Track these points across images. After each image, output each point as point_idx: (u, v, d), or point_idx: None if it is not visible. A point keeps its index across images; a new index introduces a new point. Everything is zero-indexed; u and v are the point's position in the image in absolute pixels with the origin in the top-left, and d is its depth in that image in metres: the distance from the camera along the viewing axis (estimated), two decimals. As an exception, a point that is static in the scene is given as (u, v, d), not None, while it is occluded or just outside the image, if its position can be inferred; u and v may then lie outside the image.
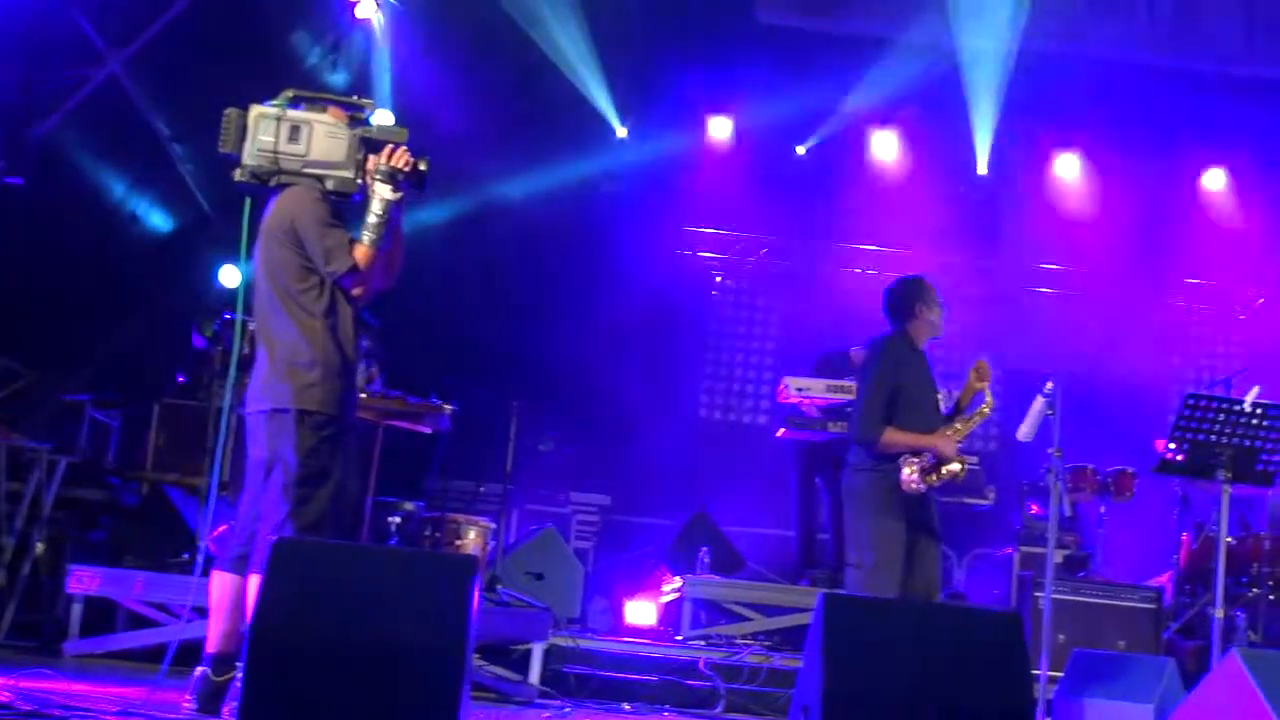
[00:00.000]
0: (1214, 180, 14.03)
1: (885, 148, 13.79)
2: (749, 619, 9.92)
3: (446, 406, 8.79)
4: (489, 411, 10.26)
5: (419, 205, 7.06)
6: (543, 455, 11.84)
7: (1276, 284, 14.05)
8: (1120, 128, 13.40)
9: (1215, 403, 7.80)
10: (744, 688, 8.82)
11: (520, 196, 12.81)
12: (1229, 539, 9.44)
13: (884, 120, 13.67)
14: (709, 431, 13.69)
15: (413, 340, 10.87)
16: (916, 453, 7.29)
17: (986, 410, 7.51)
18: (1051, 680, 7.83)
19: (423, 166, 5.95)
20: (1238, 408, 7.75)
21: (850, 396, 10.87)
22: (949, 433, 7.38)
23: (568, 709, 7.89)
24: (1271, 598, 10.48)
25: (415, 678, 4.58)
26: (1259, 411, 7.76)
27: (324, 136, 5.91)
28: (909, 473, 7.24)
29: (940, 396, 7.63)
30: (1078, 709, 7.90)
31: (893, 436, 7.33)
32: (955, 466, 7.30)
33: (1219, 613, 7.76)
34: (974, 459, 10.75)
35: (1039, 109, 13.36)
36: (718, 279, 13.98)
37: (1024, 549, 10.49)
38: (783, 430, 11.34)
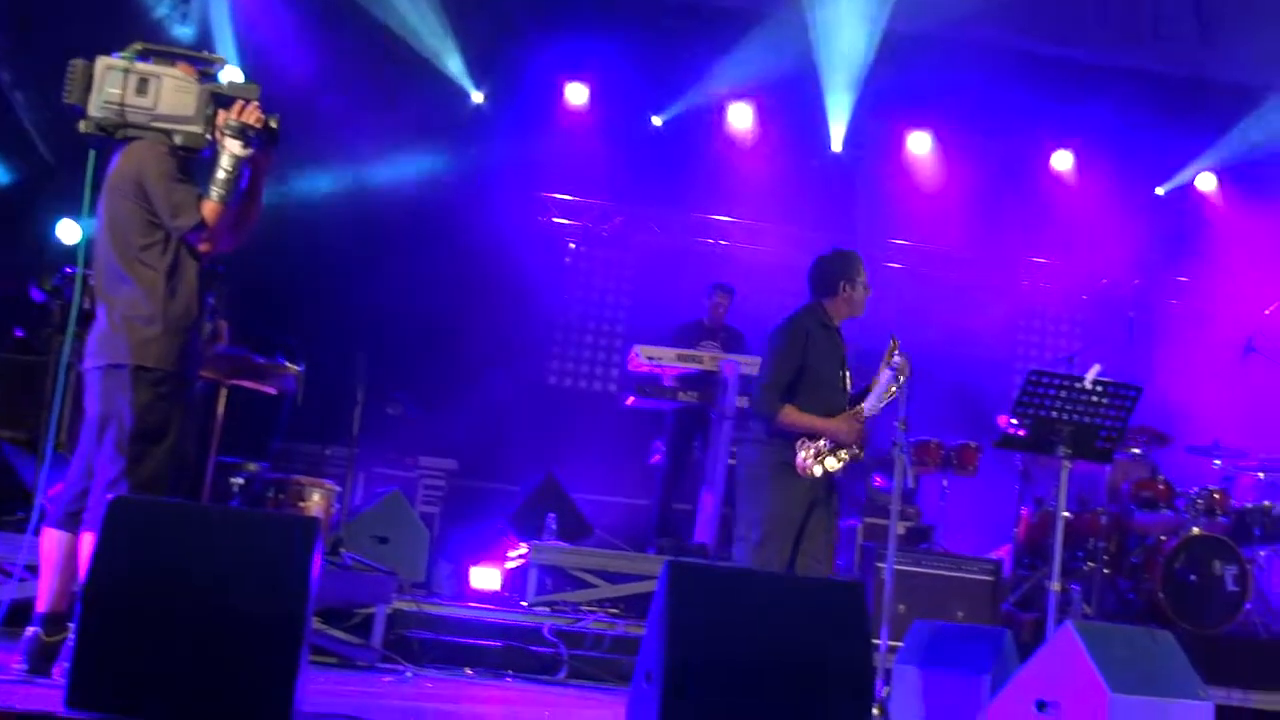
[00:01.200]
0: (1061, 161, 14.27)
1: (742, 121, 13.81)
2: (595, 586, 9.92)
3: (292, 367, 8.65)
4: (337, 373, 10.14)
5: (280, 168, 6.93)
6: (391, 419, 11.72)
7: (1120, 264, 14.33)
8: (972, 108, 13.56)
9: (1057, 380, 7.93)
10: (588, 654, 8.83)
11: (374, 159, 12.65)
12: (1067, 514, 9.60)
13: (742, 94, 13.69)
14: (559, 398, 13.65)
15: (262, 301, 10.70)
16: (814, 435, 7.25)
17: (894, 390, 7.44)
18: (891, 650, 7.92)
19: (274, 124, 5.85)
20: (1078, 385, 7.89)
21: (700, 366, 10.95)
22: (851, 416, 7.29)
23: (409, 673, 7.83)
24: (1107, 571, 10.72)
25: (252, 640, 4.51)
26: (1099, 389, 7.90)
27: (173, 90, 5.78)
28: (804, 456, 7.16)
29: (845, 375, 7.52)
30: (916, 678, 8.01)
31: (791, 416, 7.25)
32: (854, 452, 7.26)
33: (1055, 586, 7.90)
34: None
35: (893, 88, 13.48)
36: (571, 246, 13.92)
37: (867, 520, 10.60)
38: (632, 399, 11.36)
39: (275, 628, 4.54)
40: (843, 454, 7.23)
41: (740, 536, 7.33)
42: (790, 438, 7.22)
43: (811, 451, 7.15)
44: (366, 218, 12.57)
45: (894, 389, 7.22)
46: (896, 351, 7.25)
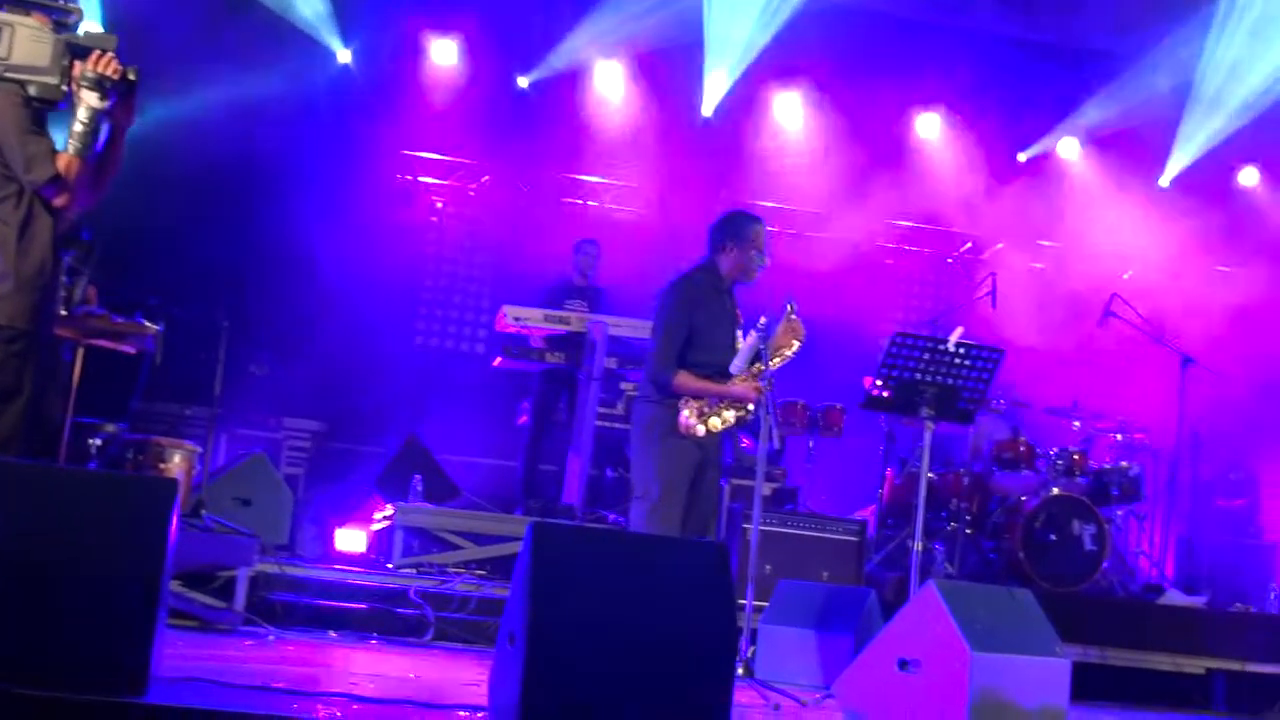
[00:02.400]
0: (927, 125, 14.38)
1: (610, 81, 13.75)
2: (461, 548, 9.86)
3: (151, 326, 8.50)
4: (198, 333, 9.96)
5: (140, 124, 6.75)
6: (254, 379, 11.56)
7: (984, 228, 14.49)
8: (839, 71, 13.62)
9: (920, 342, 8.00)
10: (454, 616, 8.80)
11: (238, 116, 12.41)
12: (930, 475, 9.74)
13: (610, 53, 13.63)
14: (426, 359, 13.54)
15: (121, 259, 10.48)
16: (699, 395, 7.25)
17: (788, 353, 7.43)
18: (757, 610, 7.97)
19: (132, 76, 5.69)
20: (941, 347, 7.97)
21: (568, 327, 10.91)
22: (745, 378, 7.27)
23: (272, 636, 7.74)
24: (969, 531, 10.87)
25: (107, 604, 4.41)
26: (961, 351, 7.99)
27: (27, 40, 5.60)
28: (686, 415, 7.14)
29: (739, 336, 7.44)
30: (781, 638, 8.08)
31: (685, 380, 7.25)
32: (742, 412, 7.25)
33: (918, 545, 8.00)
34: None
35: (765, 50, 13.50)
36: (438, 205, 13.79)
37: (734, 481, 10.63)
38: (499, 359, 11.30)
39: (131, 591, 4.44)
40: (728, 414, 7.22)
41: (638, 495, 7.31)
42: (679, 397, 7.22)
43: (694, 410, 7.15)
44: (229, 176, 12.35)
45: (761, 349, 7.22)
46: (794, 313, 7.29)
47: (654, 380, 7.31)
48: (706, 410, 7.18)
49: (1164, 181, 14.74)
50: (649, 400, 7.35)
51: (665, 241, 12.97)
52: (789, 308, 7.37)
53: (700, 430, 7.17)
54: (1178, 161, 14.60)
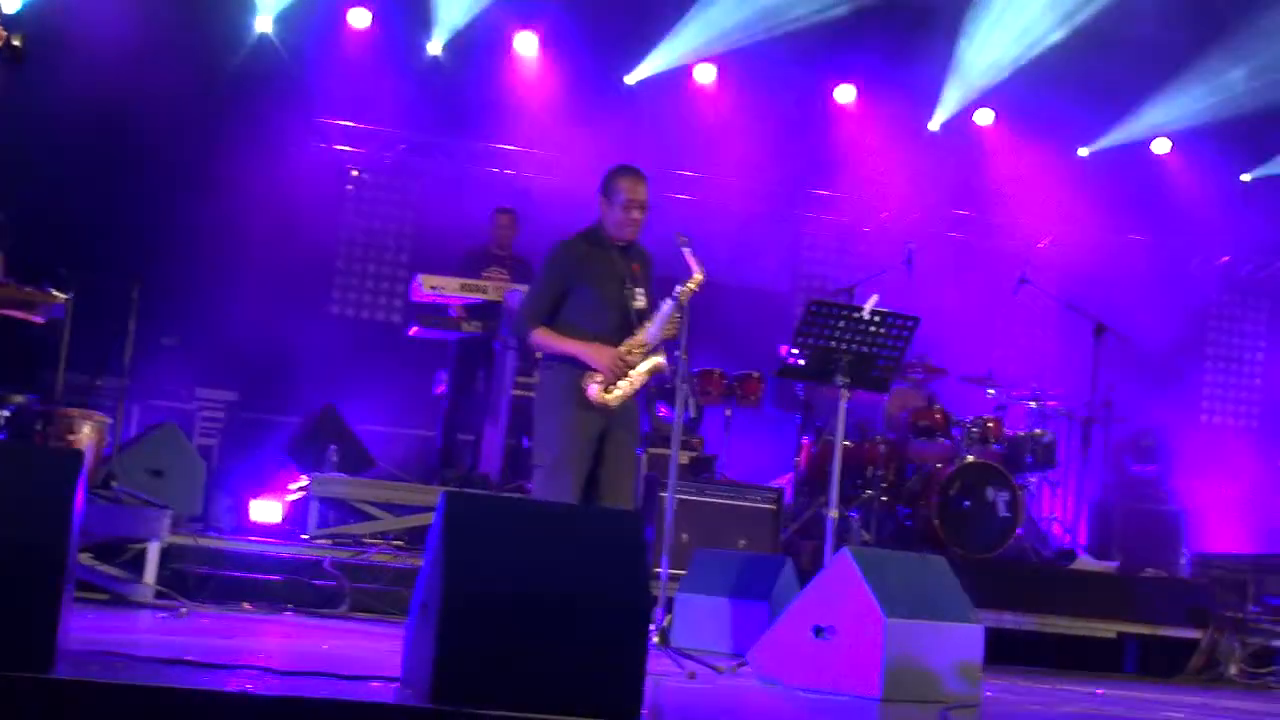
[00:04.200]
0: (844, 94, 14.41)
1: (527, 49, 13.67)
2: (378, 518, 9.81)
3: (60, 295, 8.36)
4: (109, 303, 9.82)
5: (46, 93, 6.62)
6: (166, 349, 11.42)
7: (900, 197, 14.55)
8: (757, 41, 13.60)
9: (835, 309, 8.03)
10: (370, 587, 8.78)
11: (149, 84, 12.22)
12: (846, 443, 9.77)
13: (527, 21, 13.55)
14: (342, 328, 13.41)
15: (29, 228, 10.31)
16: (555, 353, 7.13)
17: (693, 286, 7.21)
18: (674, 579, 7.97)
19: (16, 42, 5.58)
20: (856, 315, 8.00)
21: (484, 296, 10.86)
22: (630, 341, 7.04)
23: (184, 609, 7.68)
24: (885, 499, 10.93)
25: (11, 577, 4.34)
26: (876, 319, 8.02)
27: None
28: (594, 389, 6.92)
29: (633, 293, 7.11)
30: (698, 606, 8.10)
31: (542, 337, 7.05)
32: (645, 373, 7.10)
33: (833, 513, 8.04)
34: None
35: (680, 20, 13.50)
36: (354, 173, 13.67)
37: (651, 450, 10.59)
38: (415, 328, 11.24)
39: (35, 564, 4.37)
40: (639, 373, 7.07)
41: (536, 463, 7.17)
42: (579, 363, 7.00)
43: (599, 382, 6.98)
44: (142, 144, 12.18)
45: (678, 317, 7.17)
46: (699, 270, 7.17)
47: (514, 336, 7.23)
48: (608, 381, 7.00)
49: (1082, 151, 14.85)
50: (549, 366, 7.14)
51: (586, 210, 12.90)
52: (679, 238, 7.23)
53: (613, 397, 6.97)
54: (1095, 131, 14.71)
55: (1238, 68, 13.69)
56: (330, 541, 9.46)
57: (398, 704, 4.61)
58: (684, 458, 10.54)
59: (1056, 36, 13.47)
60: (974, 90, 14.16)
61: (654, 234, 7.38)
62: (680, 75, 14.02)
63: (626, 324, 7.08)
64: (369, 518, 9.78)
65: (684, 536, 9.51)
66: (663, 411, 10.81)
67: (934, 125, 14.42)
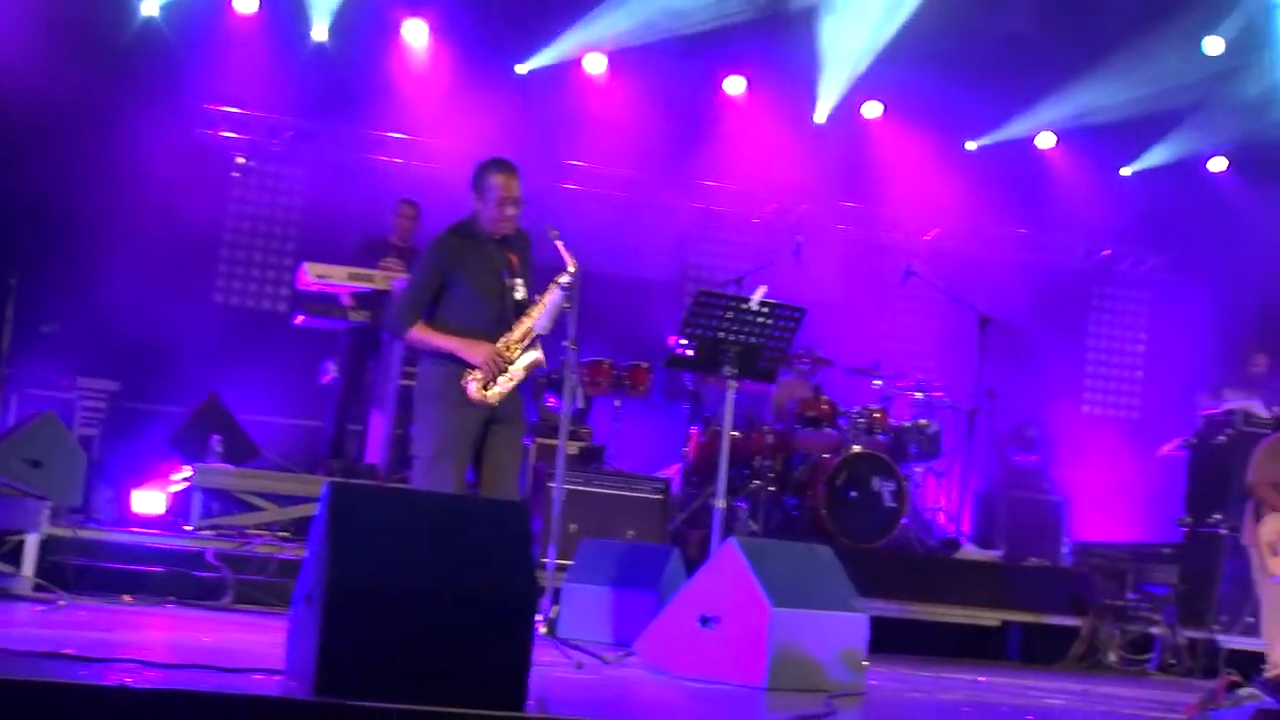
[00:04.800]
0: (733, 86, 14.44)
1: (417, 37, 13.56)
2: (262, 509, 9.70)
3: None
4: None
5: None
6: (46, 337, 11.22)
7: (789, 189, 14.62)
8: (646, 32, 13.60)
9: (723, 300, 8.07)
10: (254, 579, 8.71)
11: (33, 64, 11.99)
12: (734, 433, 9.82)
13: (416, 9, 13.45)
14: (227, 317, 13.23)
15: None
16: (433, 350, 7.08)
17: (563, 280, 7.10)
18: (561, 569, 7.98)
19: None
20: (744, 306, 8.05)
21: (372, 285, 10.78)
22: (509, 336, 7.00)
23: (63, 601, 7.55)
24: (772, 489, 10.99)
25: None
26: (764, 310, 8.07)
27: None
28: (473, 387, 6.88)
29: (513, 285, 7.06)
30: (585, 596, 8.11)
31: (419, 334, 7.01)
32: (526, 368, 7.06)
33: (721, 503, 8.08)
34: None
35: (570, 10, 13.48)
36: (240, 160, 13.49)
37: (540, 441, 10.57)
38: (301, 317, 11.13)
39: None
40: (520, 368, 7.04)
41: (415, 454, 7.09)
42: (460, 360, 6.95)
43: (478, 379, 6.91)
44: (22, 128, 11.94)
45: (566, 306, 7.15)
46: (571, 261, 7.16)
47: (388, 332, 7.19)
48: (488, 377, 6.97)
49: (970, 145, 15.00)
50: (429, 359, 7.09)
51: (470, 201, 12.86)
52: (550, 231, 7.20)
53: (492, 395, 6.92)
54: (983, 126, 14.87)
55: (1119, 74, 13.90)
56: (214, 533, 9.34)
57: (281, 696, 4.56)
58: (572, 448, 10.52)
59: (908, 16, 13.53)
60: (845, 79, 14.19)
61: (539, 224, 7.37)
62: (571, 65, 13.99)
63: (505, 317, 7.05)
64: (253, 509, 9.66)
65: (572, 527, 9.51)
66: (551, 402, 10.79)
67: (819, 117, 14.47)
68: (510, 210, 7.03)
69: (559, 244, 7.15)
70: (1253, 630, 9.78)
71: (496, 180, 7.04)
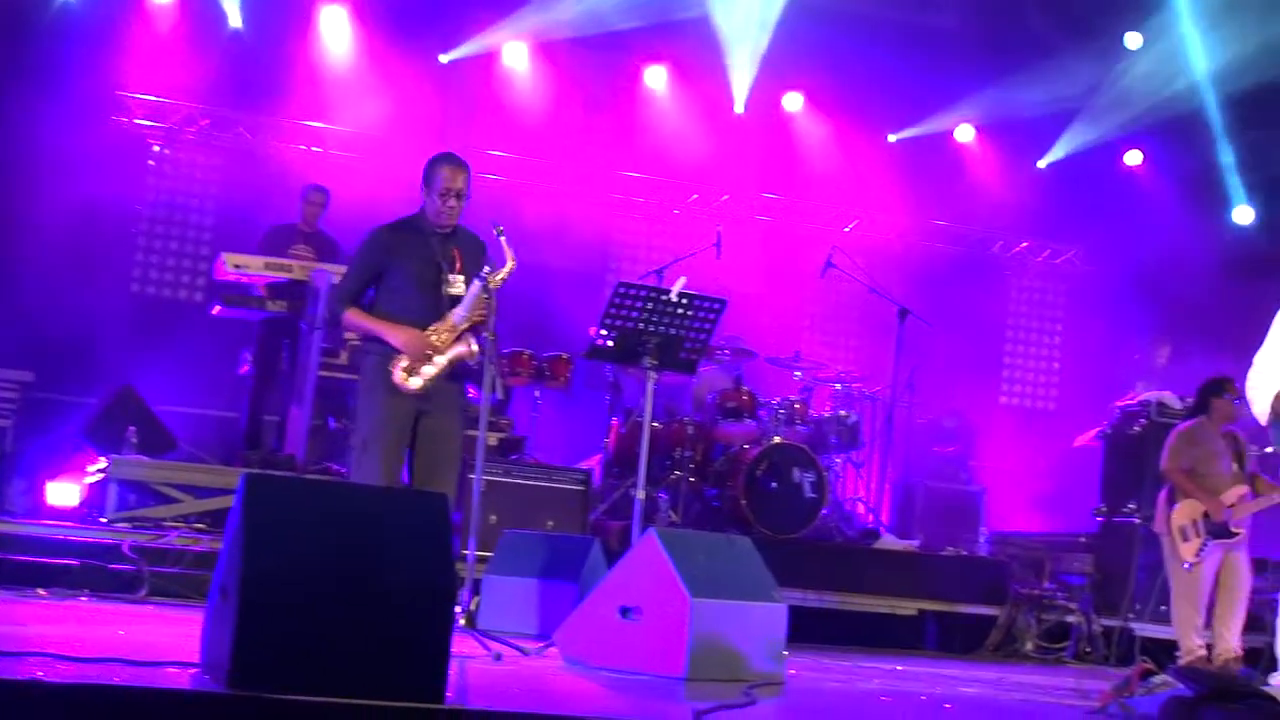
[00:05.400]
0: (654, 78, 14.45)
1: (336, 25, 13.47)
2: (179, 500, 9.61)
3: None
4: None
5: None
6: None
7: (710, 181, 14.64)
8: (568, 22, 13.58)
9: (643, 291, 8.06)
10: (170, 571, 8.62)
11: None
12: (654, 424, 9.82)
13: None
14: (142, 307, 13.10)
15: None
16: (365, 333, 7.21)
17: (503, 276, 7.21)
18: (481, 560, 7.95)
19: None
20: (664, 297, 8.05)
21: (290, 275, 10.70)
22: (437, 325, 7.13)
23: (-26, 596, 7.45)
24: (693, 480, 11.00)
25: None
26: (684, 302, 8.07)
27: None
28: (398, 374, 7.03)
29: (450, 280, 7.21)
30: (505, 588, 8.09)
31: (353, 317, 7.23)
32: (452, 359, 7.12)
33: (641, 494, 8.07)
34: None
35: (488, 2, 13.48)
36: (155, 149, 13.35)
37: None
38: (218, 307, 11.03)
39: None
40: (440, 359, 7.11)
41: (351, 444, 7.35)
42: (391, 349, 7.10)
43: (404, 365, 7.05)
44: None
45: (485, 297, 7.15)
46: (512, 260, 7.19)
47: (327, 317, 7.30)
48: (411, 365, 7.07)
49: (892, 138, 15.08)
50: (364, 349, 7.34)
51: (395, 188, 12.80)
52: (496, 229, 7.25)
53: (414, 384, 7.08)
54: (902, 119, 14.95)
55: (1038, 67, 14.03)
56: (129, 525, 9.24)
57: (195, 690, 4.52)
58: (492, 439, 10.50)
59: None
60: (750, 60, 14.20)
61: (466, 216, 7.39)
62: (493, 56, 13.94)
63: (438, 310, 7.19)
64: (170, 500, 9.58)
65: (492, 518, 9.48)
66: (471, 393, 10.74)
67: (739, 108, 14.49)
68: (452, 203, 7.20)
69: (502, 240, 7.20)
70: (1166, 619, 9.91)
71: (443, 172, 7.22)
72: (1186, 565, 9.37)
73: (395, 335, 7.10)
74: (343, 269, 10.38)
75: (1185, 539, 9.41)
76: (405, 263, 7.22)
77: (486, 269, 7.14)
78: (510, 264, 7.20)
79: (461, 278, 7.24)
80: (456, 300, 7.20)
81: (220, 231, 13.15)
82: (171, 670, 4.85)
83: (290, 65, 13.35)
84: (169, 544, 8.80)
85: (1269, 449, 7.23)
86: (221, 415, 12.34)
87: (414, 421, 7.16)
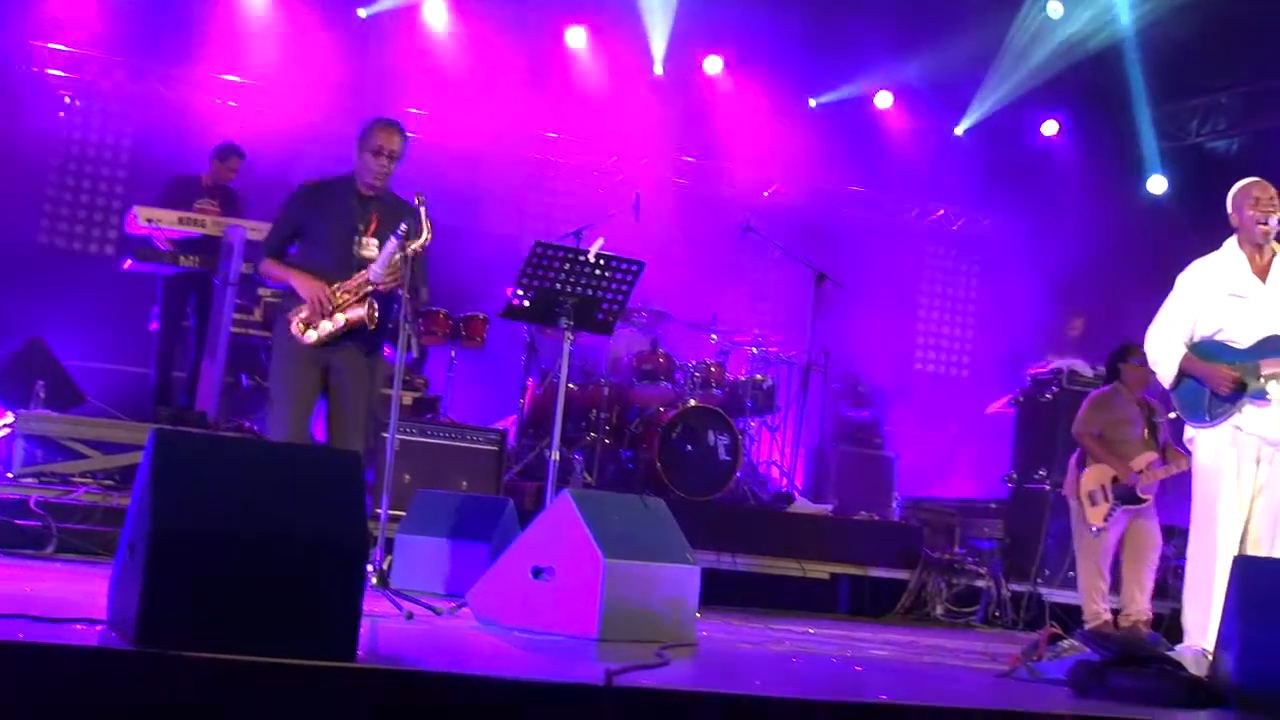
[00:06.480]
0: (575, 38, 14.37)
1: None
2: (88, 456, 9.48)
3: None
4: None
5: None
6: None
7: (629, 142, 14.60)
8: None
9: (561, 252, 8.03)
10: (78, 527, 8.51)
11: None
12: (570, 385, 9.80)
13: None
14: (50, 259, 12.91)
15: None
16: (279, 283, 7.28)
17: (415, 245, 7.19)
18: (394, 520, 7.91)
19: None
20: (582, 258, 8.02)
21: (203, 230, 10.56)
22: (344, 284, 7.16)
23: (-123, 551, 7.33)
24: (608, 442, 11.00)
25: None
26: (601, 263, 8.05)
27: None
28: (295, 323, 7.08)
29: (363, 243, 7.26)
30: (418, 547, 8.05)
31: (268, 267, 7.40)
32: (349, 319, 7.11)
33: (555, 455, 8.06)
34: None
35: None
36: (67, 100, 13.13)
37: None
38: (130, 262, 10.87)
39: None
40: (339, 316, 7.12)
41: (266, 396, 7.41)
42: (297, 299, 7.18)
43: (301, 316, 7.08)
44: None
45: (399, 256, 7.10)
46: (428, 232, 7.14)
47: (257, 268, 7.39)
48: (308, 318, 7.08)
49: (812, 102, 15.09)
50: (277, 305, 7.45)
51: (311, 144, 12.68)
52: (418, 196, 7.22)
53: (310, 336, 7.14)
54: (822, 83, 14.96)
55: (957, 35, 14.06)
56: (36, 480, 9.10)
57: (101, 646, 4.46)
58: (407, 398, 10.46)
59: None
60: (669, 26, 14.16)
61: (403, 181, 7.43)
62: (413, 11, 13.82)
63: (347, 271, 7.24)
64: (78, 456, 9.44)
65: (405, 477, 9.44)
66: (386, 352, 10.67)
67: (658, 70, 14.45)
68: (384, 162, 7.30)
69: (422, 210, 7.15)
70: (1074, 584, 10.03)
71: (377, 132, 7.34)
72: (1094, 530, 9.48)
73: (302, 284, 7.18)
74: (253, 223, 10.38)
75: (1093, 503, 9.51)
76: (321, 221, 7.31)
77: (404, 227, 7.08)
78: (426, 236, 7.15)
79: (375, 241, 7.27)
80: (364, 264, 7.23)
81: (132, 185, 12.97)
82: (79, 627, 4.78)
83: (206, 18, 13.17)
84: (77, 500, 8.69)
85: (1173, 414, 7.30)
86: (132, 371, 12.17)
87: (324, 379, 7.22)
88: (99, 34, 12.91)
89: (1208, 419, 7.03)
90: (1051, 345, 12.82)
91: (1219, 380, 6.98)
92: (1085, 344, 12.76)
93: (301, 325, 7.14)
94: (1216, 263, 7.16)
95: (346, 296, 7.17)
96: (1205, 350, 7.09)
